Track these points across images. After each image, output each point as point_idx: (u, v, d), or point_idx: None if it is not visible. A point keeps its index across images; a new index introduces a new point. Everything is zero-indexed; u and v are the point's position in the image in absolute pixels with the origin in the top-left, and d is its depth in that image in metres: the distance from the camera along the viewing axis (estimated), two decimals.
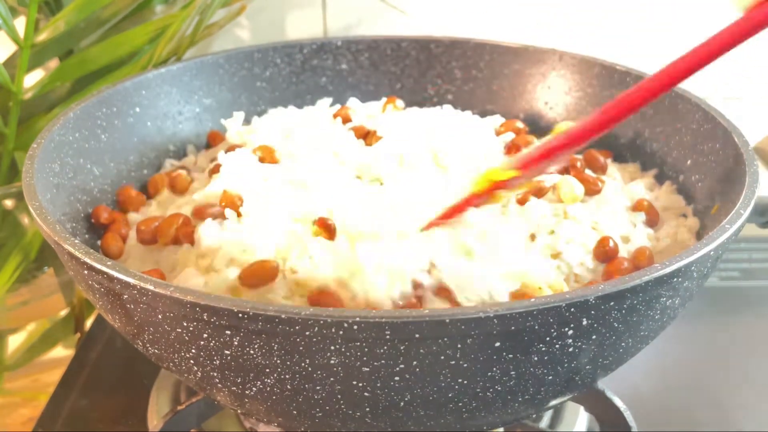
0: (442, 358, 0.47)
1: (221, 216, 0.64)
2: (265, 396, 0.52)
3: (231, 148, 0.75)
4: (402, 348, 0.46)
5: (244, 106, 0.86)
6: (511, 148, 0.75)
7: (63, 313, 0.91)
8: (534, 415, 0.69)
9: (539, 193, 0.67)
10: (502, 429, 0.67)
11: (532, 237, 0.64)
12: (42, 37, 0.93)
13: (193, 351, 0.51)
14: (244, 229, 0.62)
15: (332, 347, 0.46)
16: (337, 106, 0.86)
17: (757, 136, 1.02)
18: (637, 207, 0.69)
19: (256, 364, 0.49)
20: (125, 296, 0.50)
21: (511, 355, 0.48)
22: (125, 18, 0.99)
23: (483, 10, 1.12)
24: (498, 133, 0.79)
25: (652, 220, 0.68)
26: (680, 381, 0.77)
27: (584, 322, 0.48)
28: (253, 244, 0.60)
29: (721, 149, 0.67)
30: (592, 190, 0.68)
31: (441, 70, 0.90)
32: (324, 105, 0.88)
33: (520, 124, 0.80)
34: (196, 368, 0.53)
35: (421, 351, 0.47)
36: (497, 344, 0.47)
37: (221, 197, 0.65)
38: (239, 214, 0.64)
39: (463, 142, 0.74)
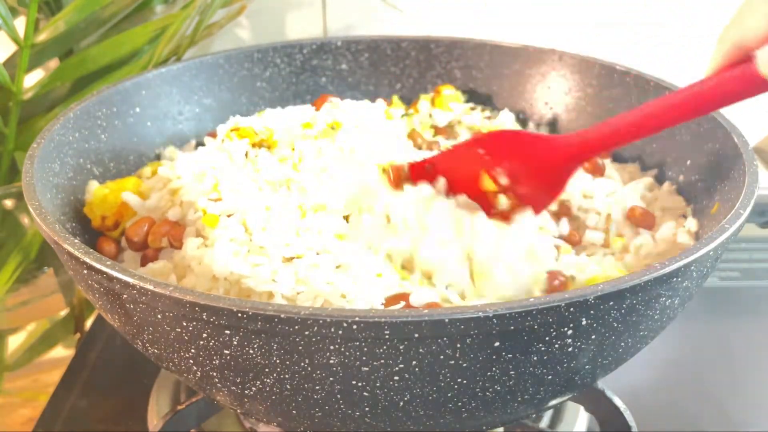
0: (442, 357, 0.47)
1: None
2: (264, 396, 0.52)
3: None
4: (401, 348, 0.46)
5: (244, 106, 0.86)
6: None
7: (63, 313, 0.91)
8: (534, 415, 0.69)
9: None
10: (501, 429, 0.67)
11: None
12: (42, 37, 0.93)
13: (193, 351, 0.51)
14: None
15: (331, 347, 0.46)
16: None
17: (757, 136, 1.02)
18: (629, 217, 0.69)
19: (255, 363, 0.49)
20: (125, 296, 0.50)
21: (510, 355, 0.48)
22: (125, 18, 1.00)
23: (483, 10, 1.12)
24: None
25: (648, 225, 0.69)
26: (680, 381, 0.76)
27: (583, 322, 0.48)
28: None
29: (721, 149, 0.67)
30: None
31: (441, 70, 0.90)
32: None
33: None
34: (195, 368, 0.53)
35: (421, 351, 0.47)
36: (496, 344, 0.47)
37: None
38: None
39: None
